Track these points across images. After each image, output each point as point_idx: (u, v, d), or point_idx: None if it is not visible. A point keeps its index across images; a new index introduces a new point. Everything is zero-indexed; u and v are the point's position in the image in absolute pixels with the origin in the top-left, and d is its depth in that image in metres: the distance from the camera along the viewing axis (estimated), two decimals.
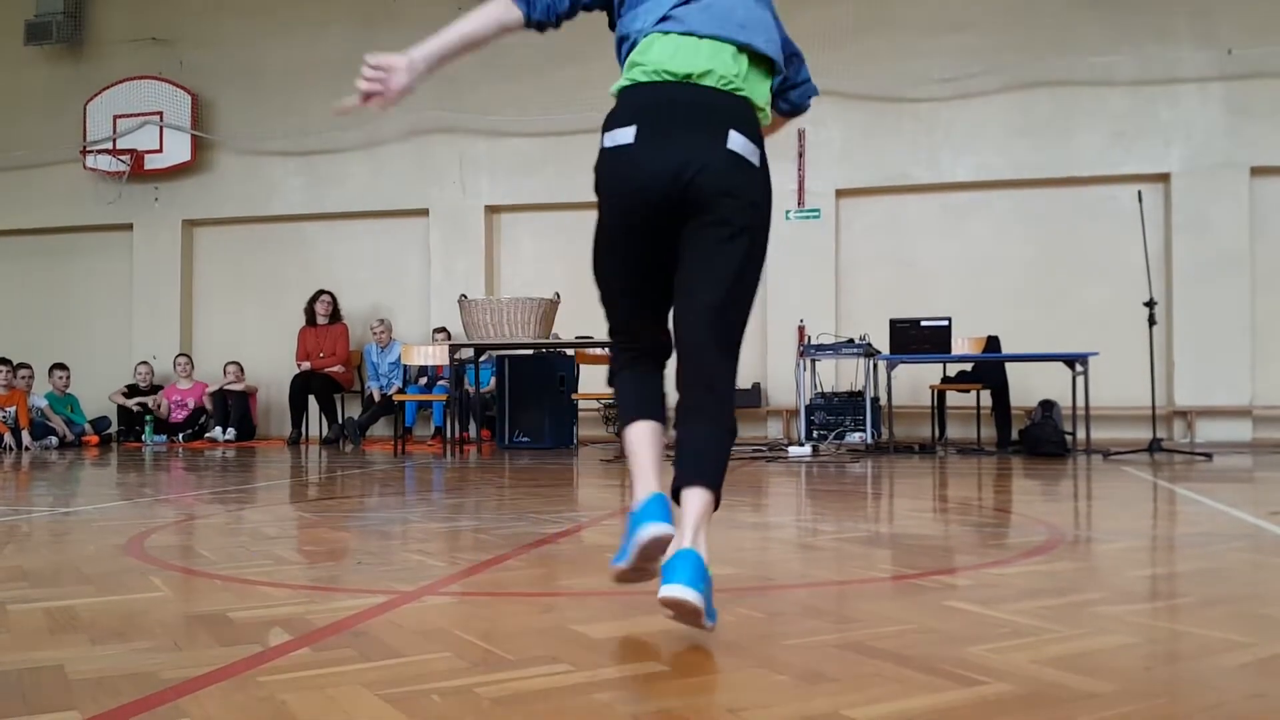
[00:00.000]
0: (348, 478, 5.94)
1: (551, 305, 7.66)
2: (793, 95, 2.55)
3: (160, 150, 11.53)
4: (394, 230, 11.34)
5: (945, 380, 8.77)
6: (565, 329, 8.51)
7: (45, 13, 11.64)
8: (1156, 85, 9.55)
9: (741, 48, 2.10)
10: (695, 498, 1.87)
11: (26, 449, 9.28)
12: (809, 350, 8.43)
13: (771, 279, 10.24)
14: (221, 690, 1.50)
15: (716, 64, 2.05)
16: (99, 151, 11.53)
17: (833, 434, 8.20)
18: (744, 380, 10.21)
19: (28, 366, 10.21)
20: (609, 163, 2.06)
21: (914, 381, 9.37)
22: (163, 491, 5.03)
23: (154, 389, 10.80)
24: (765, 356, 10.26)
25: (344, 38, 11.33)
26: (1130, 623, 1.94)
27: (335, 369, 10.51)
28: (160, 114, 11.51)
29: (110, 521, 3.68)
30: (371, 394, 10.38)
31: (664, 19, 2.15)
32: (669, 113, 2.03)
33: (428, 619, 2.00)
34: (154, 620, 1.99)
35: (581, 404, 9.29)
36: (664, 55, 2.09)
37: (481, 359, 9.08)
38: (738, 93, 2.06)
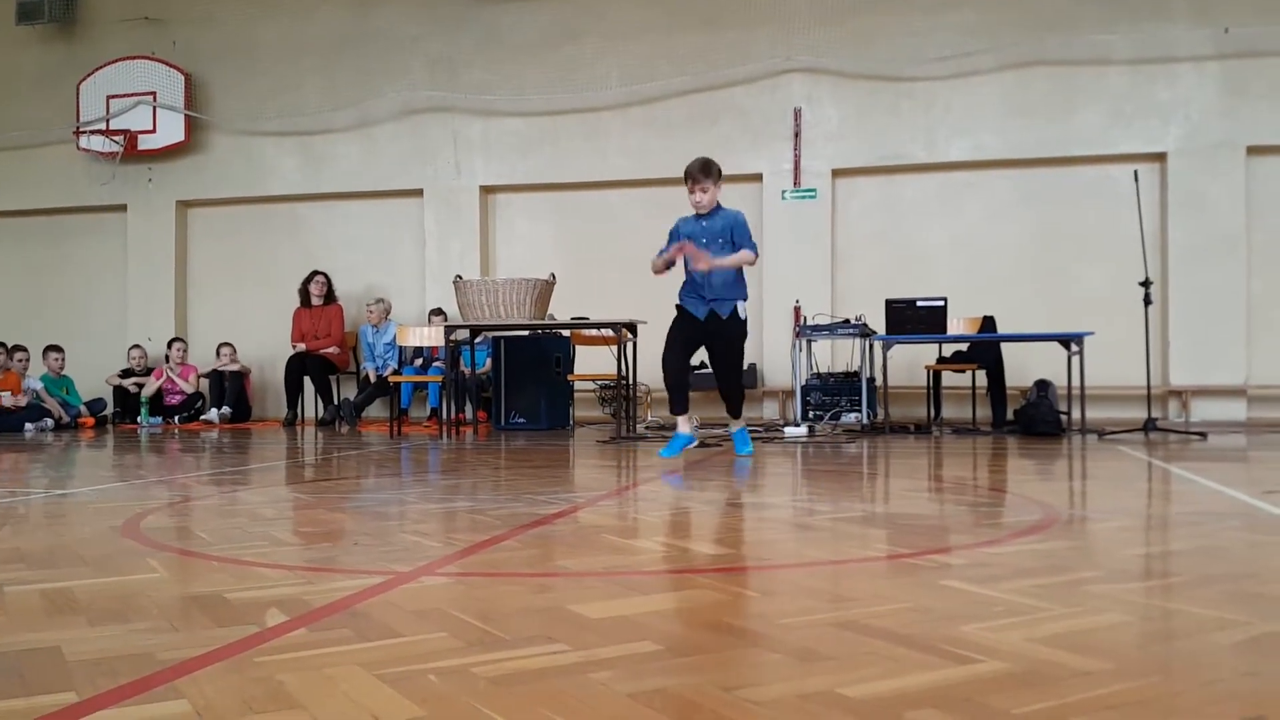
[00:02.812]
0: (344, 459, 5.95)
1: (547, 286, 7.64)
2: None
3: (154, 131, 11.48)
4: (388, 211, 11.31)
5: (941, 360, 8.78)
6: (561, 310, 8.51)
7: None
8: (1154, 64, 9.53)
9: None
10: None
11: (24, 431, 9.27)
12: (805, 331, 8.43)
13: (767, 260, 10.23)
14: (218, 671, 1.50)
15: None
16: (92, 132, 11.47)
17: (828, 414, 8.21)
18: None
19: (24, 349, 10.19)
20: None
21: (910, 362, 9.37)
22: (159, 473, 5.03)
23: (148, 371, 10.79)
24: (761, 337, 10.26)
25: (337, 17, 11.29)
26: (1125, 601, 1.94)
27: (330, 350, 10.50)
28: (154, 94, 11.45)
29: (106, 503, 3.68)
30: (367, 375, 10.37)
31: None
32: None
33: (424, 599, 2.00)
34: (151, 601, 1.99)
35: (577, 385, 9.29)
36: None
37: (477, 340, 9.07)
38: None
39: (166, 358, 10.75)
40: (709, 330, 5.58)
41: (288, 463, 5.73)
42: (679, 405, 5.65)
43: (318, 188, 11.35)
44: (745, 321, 5.64)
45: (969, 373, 8.66)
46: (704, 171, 5.44)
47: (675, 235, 5.62)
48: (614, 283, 10.35)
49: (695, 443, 5.85)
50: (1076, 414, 7.48)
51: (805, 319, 9.45)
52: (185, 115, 11.42)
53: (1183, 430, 7.64)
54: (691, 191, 5.47)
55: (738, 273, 5.54)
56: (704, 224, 5.52)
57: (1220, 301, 9.35)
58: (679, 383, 5.61)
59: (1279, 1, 9.28)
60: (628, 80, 10.39)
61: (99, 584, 2.18)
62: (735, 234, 5.48)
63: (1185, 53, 9.45)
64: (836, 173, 10.20)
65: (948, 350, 8.82)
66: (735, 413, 5.86)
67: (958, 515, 3.30)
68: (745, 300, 5.64)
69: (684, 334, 5.61)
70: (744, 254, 5.48)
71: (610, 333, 7.80)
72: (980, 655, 1.55)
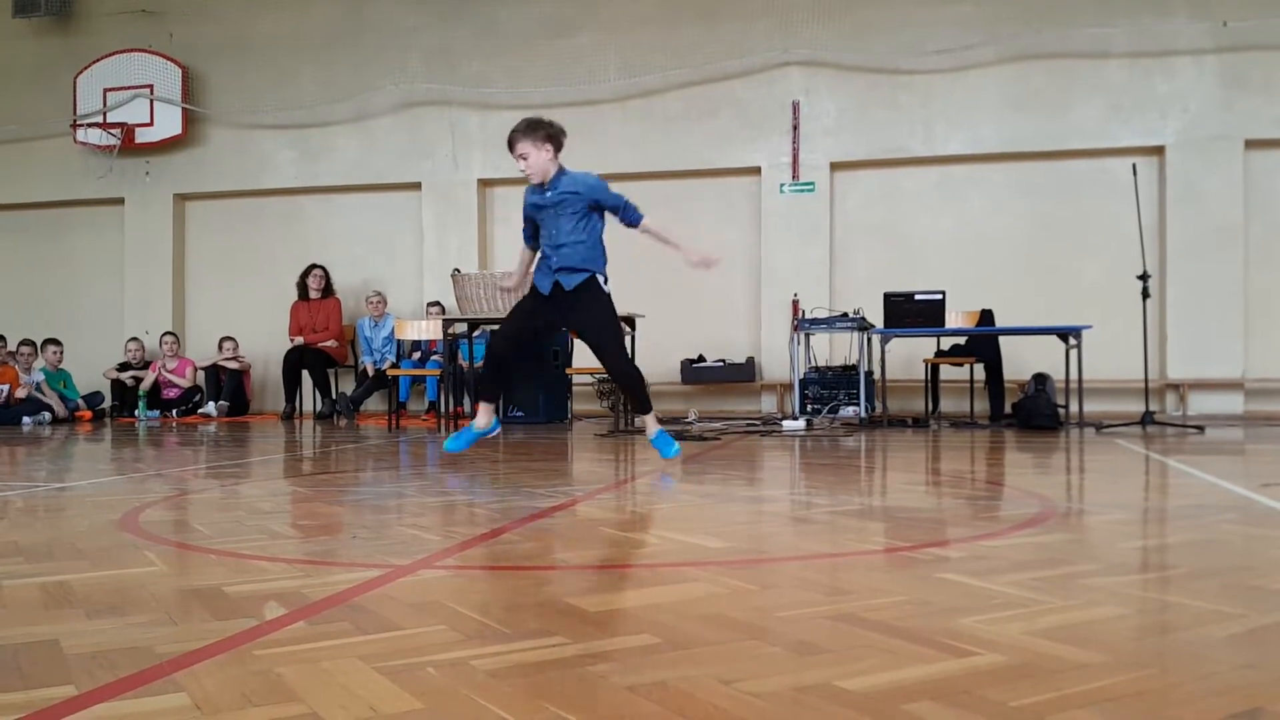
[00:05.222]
0: (342, 452, 5.95)
1: None
2: None
3: (151, 124, 11.46)
4: (386, 204, 11.30)
5: (939, 354, 8.78)
6: None
7: None
8: (1152, 58, 9.53)
9: None
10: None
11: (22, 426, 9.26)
12: (803, 324, 8.43)
13: (765, 253, 10.25)
14: (217, 664, 1.50)
15: None
16: (89, 125, 11.45)
17: (826, 408, 8.21)
18: (738, 354, 10.22)
19: (31, 343, 10.20)
20: None
21: (908, 355, 9.38)
22: (156, 466, 5.03)
23: (146, 365, 10.78)
24: (759, 330, 10.27)
25: (333, 10, 11.27)
26: (1122, 594, 1.95)
27: (328, 344, 10.50)
28: (150, 87, 11.43)
29: (104, 496, 3.68)
30: (365, 369, 10.37)
31: None
32: None
33: (423, 592, 2.00)
34: (149, 595, 1.99)
35: (575, 379, 9.29)
36: None
37: (475, 333, 9.07)
38: None
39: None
40: (560, 306, 4.70)
41: (286, 456, 5.73)
42: (487, 390, 4.86)
43: (315, 181, 11.34)
44: (609, 295, 4.75)
45: (967, 366, 8.66)
46: (526, 132, 4.45)
47: (527, 209, 4.73)
48: (611, 276, 10.33)
49: (495, 432, 4.90)
50: (1074, 407, 7.48)
51: (803, 312, 9.46)
52: (182, 108, 11.41)
53: (1180, 424, 7.65)
54: (515, 159, 4.53)
55: (597, 240, 4.70)
56: (548, 194, 4.58)
57: (1218, 295, 9.36)
58: (498, 363, 4.80)
59: None
60: (626, 73, 10.38)
61: (97, 577, 2.18)
62: (599, 199, 4.61)
63: (1183, 46, 9.45)
64: (835, 166, 10.20)
65: (946, 344, 8.83)
66: (639, 406, 4.90)
67: (955, 508, 3.30)
68: (604, 273, 4.76)
69: (524, 309, 4.78)
70: (649, 222, 4.70)
71: None
72: (978, 648, 1.55)
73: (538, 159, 4.47)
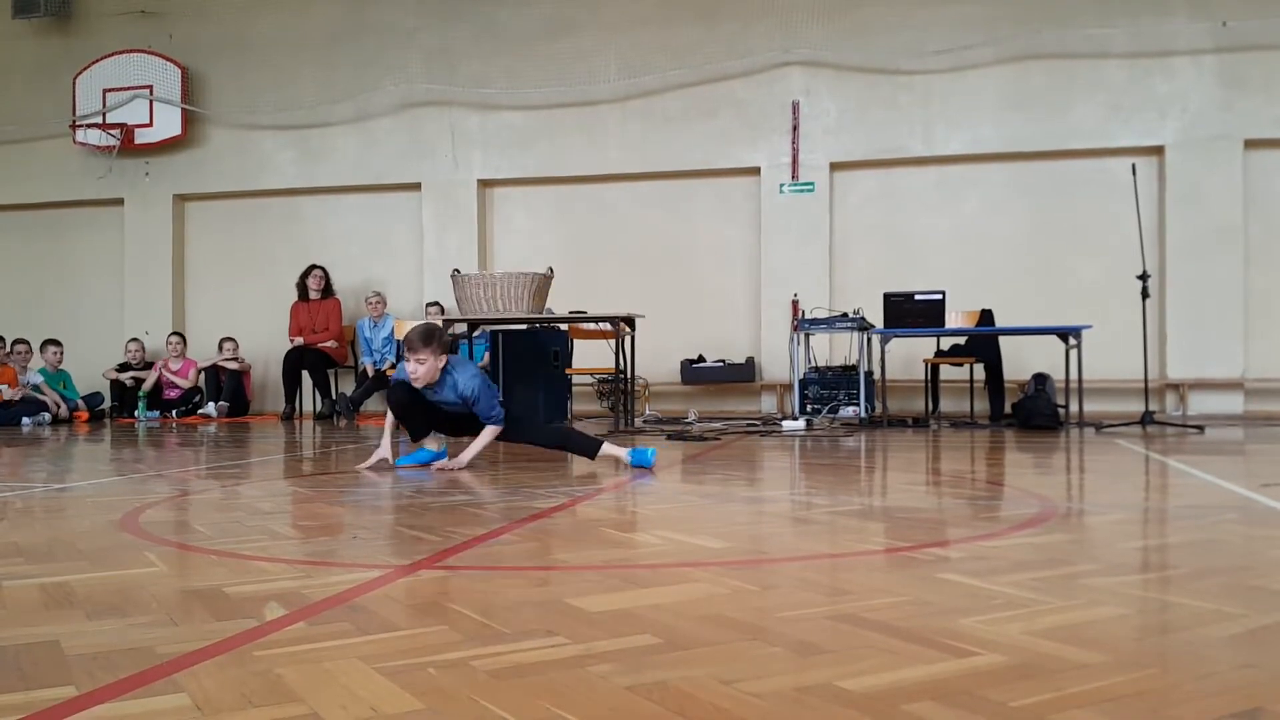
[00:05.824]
0: (342, 453, 5.94)
1: (545, 280, 7.63)
2: None
3: (150, 124, 11.46)
4: (386, 204, 11.30)
5: (939, 354, 8.78)
6: (559, 304, 8.50)
7: None
8: (1151, 58, 9.53)
9: None
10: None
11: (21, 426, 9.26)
12: (803, 324, 8.43)
13: (765, 253, 10.25)
14: (218, 664, 1.50)
15: None
16: (89, 126, 11.45)
17: (826, 408, 8.21)
18: (738, 354, 10.23)
19: (25, 342, 10.19)
20: None
21: (908, 355, 9.38)
22: (157, 467, 5.03)
23: (146, 365, 10.78)
24: (759, 331, 10.28)
25: (333, 10, 11.27)
26: (1122, 594, 1.95)
27: (328, 344, 10.49)
28: (150, 88, 11.43)
29: (105, 497, 3.68)
30: (365, 369, 10.37)
31: None
32: None
33: (423, 593, 2.01)
34: (149, 595, 1.99)
35: (575, 379, 9.29)
36: None
37: (475, 334, 9.07)
38: None
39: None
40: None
41: (286, 457, 5.73)
42: (417, 433, 5.07)
43: (315, 181, 11.34)
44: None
45: (967, 366, 8.66)
46: (425, 340, 4.65)
47: (403, 373, 4.84)
48: (612, 276, 10.35)
49: (444, 460, 4.90)
50: (1074, 407, 7.48)
51: (803, 312, 9.46)
52: (182, 109, 11.41)
53: (1180, 424, 7.64)
54: (407, 360, 4.72)
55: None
56: (428, 393, 4.83)
57: (1218, 295, 9.36)
58: (408, 414, 4.97)
59: None
60: (626, 73, 10.38)
61: (97, 578, 2.18)
62: (477, 407, 4.76)
63: (1183, 46, 9.45)
64: (835, 166, 10.20)
65: (946, 344, 8.83)
66: (587, 453, 4.89)
67: (956, 509, 3.30)
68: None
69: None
70: (487, 434, 4.80)
71: (608, 326, 7.80)
72: (978, 648, 1.55)
73: (432, 366, 4.75)
